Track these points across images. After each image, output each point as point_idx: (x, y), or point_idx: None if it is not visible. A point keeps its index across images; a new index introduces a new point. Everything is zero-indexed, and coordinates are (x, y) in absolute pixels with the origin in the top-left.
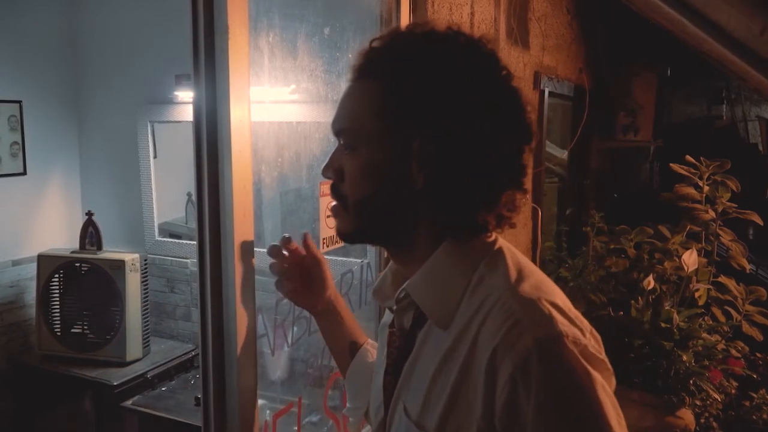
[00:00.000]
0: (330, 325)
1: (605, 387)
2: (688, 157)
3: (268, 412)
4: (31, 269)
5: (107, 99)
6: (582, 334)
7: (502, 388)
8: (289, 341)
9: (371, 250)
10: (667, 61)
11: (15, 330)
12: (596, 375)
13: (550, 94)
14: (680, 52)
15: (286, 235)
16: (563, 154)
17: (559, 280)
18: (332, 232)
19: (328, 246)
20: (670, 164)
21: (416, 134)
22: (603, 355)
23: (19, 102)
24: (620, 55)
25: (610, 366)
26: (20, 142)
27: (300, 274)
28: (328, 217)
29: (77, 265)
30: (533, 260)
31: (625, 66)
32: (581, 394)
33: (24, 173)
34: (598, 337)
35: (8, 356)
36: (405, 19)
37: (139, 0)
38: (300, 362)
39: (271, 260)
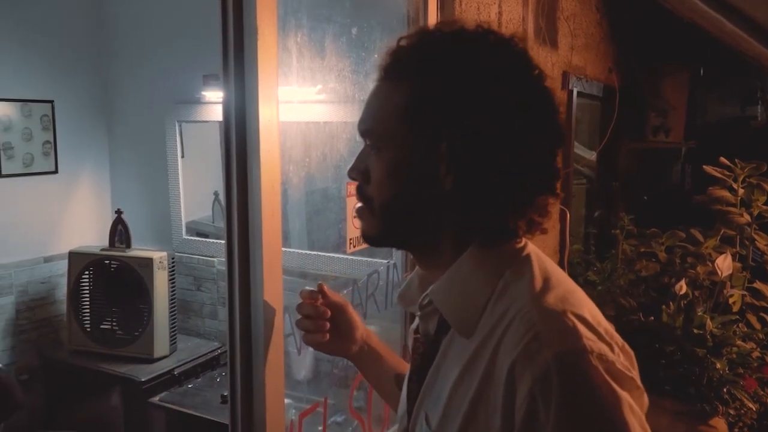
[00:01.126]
0: (369, 364)
1: (633, 407)
2: (723, 159)
3: (293, 411)
4: (62, 266)
5: (136, 99)
6: (610, 349)
7: (521, 403)
8: None
9: (397, 251)
10: (700, 61)
11: (46, 325)
12: (623, 394)
13: (579, 94)
14: (714, 50)
15: (307, 288)
16: (592, 155)
17: (587, 284)
18: (358, 233)
19: (354, 246)
20: (704, 166)
21: (444, 135)
22: (633, 373)
23: (51, 102)
24: (651, 54)
25: (641, 384)
26: (52, 141)
27: (325, 323)
28: (354, 217)
29: (107, 262)
30: (561, 263)
31: (656, 65)
32: (605, 413)
33: (56, 171)
34: (631, 353)
35: (39, 351)
36: (432, 19)
37: (169, 1)
38: (325, 362)
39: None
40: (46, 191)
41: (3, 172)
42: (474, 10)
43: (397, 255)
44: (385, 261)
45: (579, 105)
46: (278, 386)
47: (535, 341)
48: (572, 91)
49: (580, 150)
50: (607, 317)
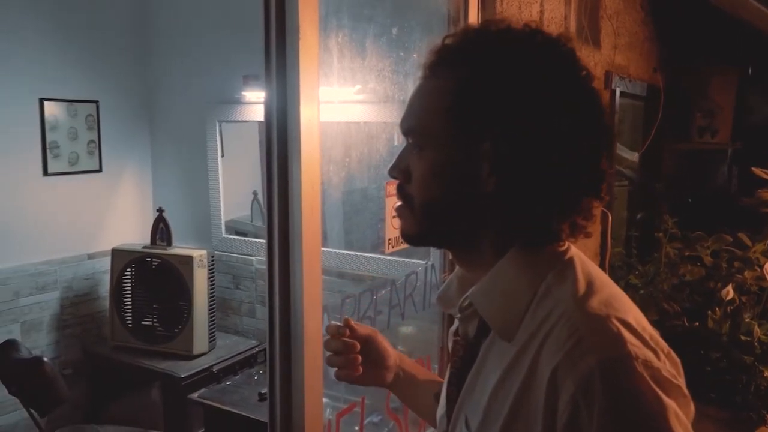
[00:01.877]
0: (406, 390)
1: (679, 415)
2: None
3: (329, 410)
4: (105, 263)
5: (178, 99)
6: (656, 356)
7: (563, 409)
8: None
9: (435, 251)
10: (748, 60)
11: (89, 321)
12: (669, 402)
13: (622, 94)
14: (763, 49)
15: (333, 323)
16: (634, 156)
17: (628, 288)
18: (398, 233)
19: (393, 247)
20: (752, 168)
21: (489, 135)
22: (679, 380)
23: (96, 102)
24: (697, 53)
25: (687, 392)
26: (96, 140)
27: (357, 356)
28: (393, 217)
29: (148, 259)
30: (601, 266)
31: (702, 65)
32: (650, 421)
33: (100, 170)
34: (677, 360)
35: (83, 346)
36: (473, 18)
37: (210, 2)
38: None
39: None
40: (90, 189)
41: (49, 171)
42: (515, 8)
43: (436, 256)
44: (423, 262)
45: (621, 105)
46: (317, 385)
47: (578, 347)
48: (615, 91)
49: (622, 151)
50: (650, 322)
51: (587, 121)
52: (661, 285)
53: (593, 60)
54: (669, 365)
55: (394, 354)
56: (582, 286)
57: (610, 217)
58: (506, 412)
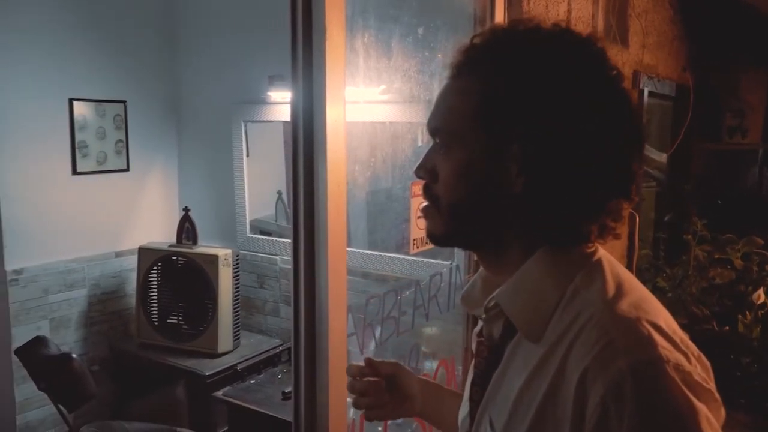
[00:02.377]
0: (434, 411)
1: (710, 420)
2: None
3: (353, 410)
4: (132, 261)
5: (204, 99)
6: (687, 359)
7: (592, 412)
8: (378, 341)
9: (460, 252)
10: None
11: (116, 318)
12: (700, 406)
13: (650, 94)
14: None
15: (353, 364)
16: (662, 157)
17: (656, 290)
18: (422, 234)
19: (418, 247)
20: None
21: (517, 135)
22: (710, 384)
23: (124, 102)
24: (727, 52)
25: (718, 397)
26: (124, 139)
27: (383, 394)
28: (418, 218)
29: (174, 258)
30: (629, 268)
31: (732, 64)
32: (681, 424)
33: (127, 169)
34: (707, 364)
35: (110, 343)
36: (500, 18)
37: (236, 3)
38: None
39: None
40: (117, 188)
41: (78, 170)
42: (542, 7)
43: (460, 257)
44: (448, 263)
45: (649, 105)
46: (341, 385)
47: (608, 349)
48: (643, 91)
49: (649, 152)
50: (679, 326)
51: (617, 122)
52: (689, 288)
53: (621, 59)
54: (700, 369)
55: (417, 381)
56: (611, 288)
57: (637, 219)
58: (533, 414)
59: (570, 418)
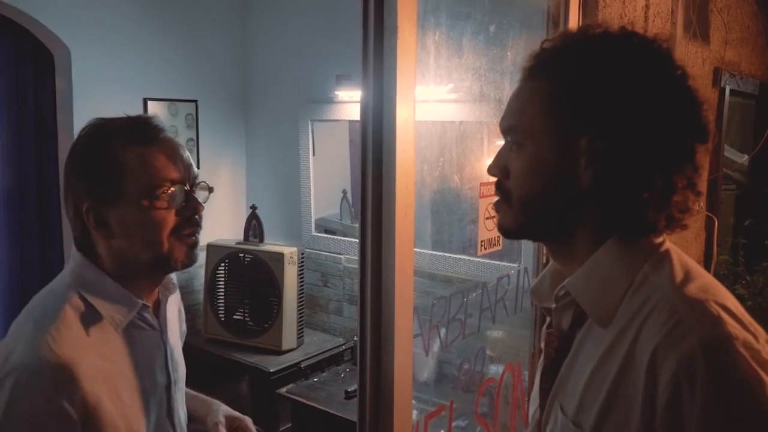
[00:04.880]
0: None
1: None
2: None
3: (417, 412)
4: (201, 257)
5: (272, 98)
6: (755, 339)
7: (664, 388)
8: (443, 343)
9: (528, 254)
10: None
11: (185, 313)
12: None
13: (732, 92)
14: None
15: None
16: (743, 159)
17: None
18: (490, 235)
19: (485, 249)
20: None
21: (586, 131)
22: None
23: (195, 101)
24: None
25: None
26: (195, 138)
27: None
28: (487, 219)
29: (241, 255)
30: None
31: None
32: (751, 397)
33: (197, 168)
34: None
35: None
36: (574, 14)
37: (304, 3)
38: (450, 365)
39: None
40: None
41: None
42: (619, 4)
43: (528, 260)
44: (516, 265)
45: (730, 103)
46: (406, 385)
47: (678, 328)
48: (724, 89)
49: (729, 153)
50: None
51: (680, 118)
52: None
53: (701, 56)
54: None
55: None
56: (679, 274)
57: (716, 223)
58: (604, 396)
59: (642, 396)
